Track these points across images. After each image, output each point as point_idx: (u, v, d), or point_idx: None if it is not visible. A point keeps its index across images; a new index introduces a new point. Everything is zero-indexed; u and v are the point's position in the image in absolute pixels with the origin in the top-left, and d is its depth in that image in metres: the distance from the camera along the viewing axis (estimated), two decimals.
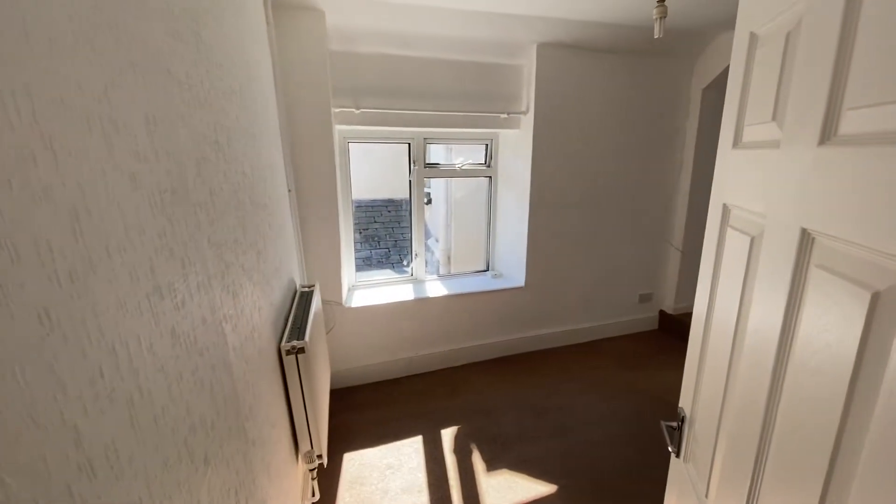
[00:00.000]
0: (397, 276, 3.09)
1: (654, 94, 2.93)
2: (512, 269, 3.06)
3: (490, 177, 3.06)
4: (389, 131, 2.65)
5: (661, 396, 2.50)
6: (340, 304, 2.53)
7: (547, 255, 2.94)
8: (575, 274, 3.07)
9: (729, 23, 2.49)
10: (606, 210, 3.03)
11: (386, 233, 6.89)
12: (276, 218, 1.64)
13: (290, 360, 1.45)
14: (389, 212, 6.93)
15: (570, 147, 2.82)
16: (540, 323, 3.08)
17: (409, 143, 2.77)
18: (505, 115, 2.70)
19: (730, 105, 0.83)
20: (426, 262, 3.04)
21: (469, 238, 3.70)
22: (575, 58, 2.66)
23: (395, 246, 6.78)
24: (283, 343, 1.47)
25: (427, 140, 2.79)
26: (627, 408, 2.40)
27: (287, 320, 1.66)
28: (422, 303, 2.71)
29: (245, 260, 1.09)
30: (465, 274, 3.19)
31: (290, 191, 2.16)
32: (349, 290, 2.79)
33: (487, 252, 3.24)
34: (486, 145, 3.01)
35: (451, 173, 2.93)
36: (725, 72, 2.78)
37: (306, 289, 2.10)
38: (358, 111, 2.40)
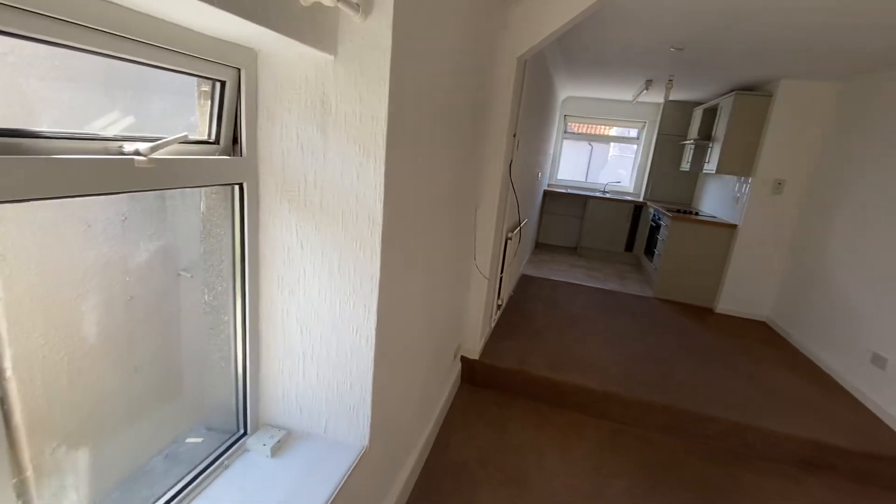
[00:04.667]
0: None
1: (482, 52, 1.83)
2: (328, 411, 1.24)
3: (240, 184, 1.04)
4: None
5: None
6: None
7: (393, 358, 1.35)
8: (414, 364, 1.64)
9: None
10: (441, 238, 1.73)
11: None
12: None
13: None
14: None
15: (442, 120, 1.32)
16: (384, 488, 1.47)
17: None
18: None
19: None
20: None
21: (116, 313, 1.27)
22: None
23: None
24: None
25: None
26: None
27: None
28: None
29: None
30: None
31: None
32: None
33: (237, 374, 1.20)
34: (219, 86, 0.96)
35: (111, 171, 0.72)
36: (544, 42, 2.07)
37: None
38: None
